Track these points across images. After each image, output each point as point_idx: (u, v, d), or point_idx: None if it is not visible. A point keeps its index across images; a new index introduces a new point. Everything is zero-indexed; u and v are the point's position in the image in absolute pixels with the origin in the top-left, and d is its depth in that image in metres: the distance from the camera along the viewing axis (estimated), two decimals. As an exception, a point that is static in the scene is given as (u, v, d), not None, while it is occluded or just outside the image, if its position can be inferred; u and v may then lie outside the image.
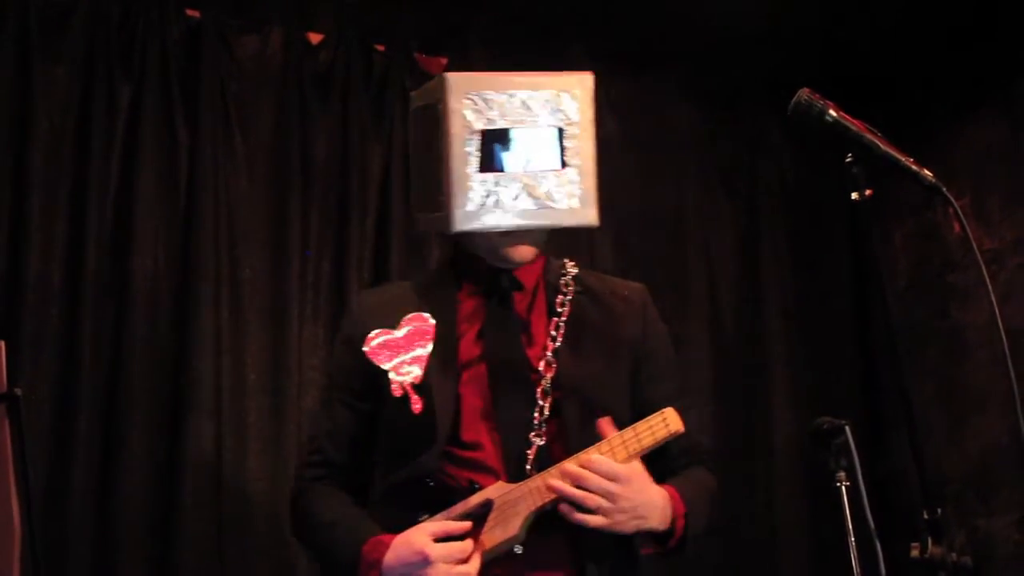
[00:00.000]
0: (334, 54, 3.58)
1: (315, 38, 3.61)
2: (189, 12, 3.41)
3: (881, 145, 1.87)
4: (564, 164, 2.19)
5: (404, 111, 3.63)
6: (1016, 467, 3.81)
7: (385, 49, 3.68)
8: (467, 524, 2.06)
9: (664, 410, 2.12)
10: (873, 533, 2.18)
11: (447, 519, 2.08)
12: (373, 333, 2.23)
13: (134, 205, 3.20)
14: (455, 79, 2.16)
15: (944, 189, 1.85)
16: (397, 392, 2.17)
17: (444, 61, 3.79)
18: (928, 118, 4.13)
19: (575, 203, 2.19)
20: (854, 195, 1.87)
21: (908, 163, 1.87)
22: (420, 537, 2.04)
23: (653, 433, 2.10)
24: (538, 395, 2.14)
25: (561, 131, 2.20)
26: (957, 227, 4.08)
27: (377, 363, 2.20)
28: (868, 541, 2.18)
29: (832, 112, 1.89)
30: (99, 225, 3.16)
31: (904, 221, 4.27)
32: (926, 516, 1.81)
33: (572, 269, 2.34)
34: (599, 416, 2.13)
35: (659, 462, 2.18)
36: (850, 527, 2.30)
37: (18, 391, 1.67)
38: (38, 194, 3.09)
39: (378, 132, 3.58)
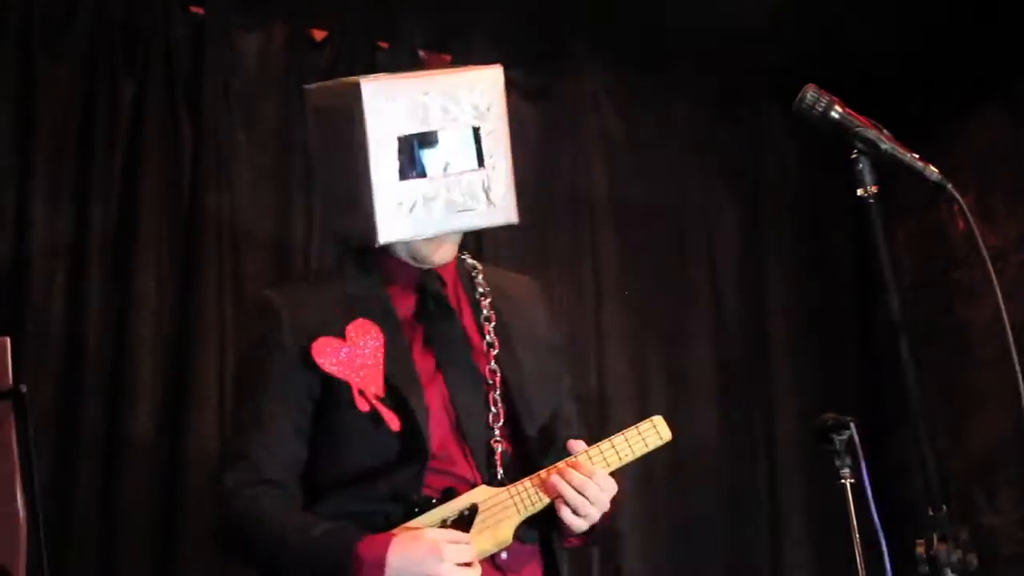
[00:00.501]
0: (337, 51, 3.59)
1: (319, 35, 3.61)
2: (192, 9, 3.41)
3: (886, 141, 1.87)
4: (481, 163, 2.17)
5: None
6: (1020, 464, 3.81)
7: (388, 46, 3.68)
8: (467, 535, 2.02)
9: (653, 418, 2.15)
10: (878, 530, 2.18)
11: (430, 522, 2.04)
12: (320, 341, 2.08)
13: (137, 202, 3.21)
14: (369, 85, 2.10)
15: (950, 186, 1.85)
16: (363, 407, 2.06)
17: (448, 58, 3.79)
18: (931, 115, 4.13)
19: (496, 201, 2.17)
20: (859, 191, 1.86)
21: (913, 159, 1.87)
22: (431, 534, 1.99)
23: (645, 441, 2.13)
24: (491, 402, 2.14)
25: (476, 129, 2.16)
26: (961, 224, 4.05)
27: (331, 374, 2.07)
28: (873, 538, 2.18)
29: (838, 108, 1.88)
30: (103, 222, 3.16)
31: (908, 218, 4.27)
32: (931, 513, 1.81)
33: (476, 264, 2.30)
34: (543, 410, 2.19)
35: (555, 410, 2.23)
36: (855, 524, 2.29)
37: (23, 388, 1.67)
38: (42, 191, 3.10)
39: (381, 129, 3.58)
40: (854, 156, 1.86)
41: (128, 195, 3.21)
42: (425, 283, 2.19)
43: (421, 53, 3.72)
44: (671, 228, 4.05)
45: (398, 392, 2.08)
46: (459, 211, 2.13)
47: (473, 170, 2.15)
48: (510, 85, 3.81)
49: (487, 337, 2.18)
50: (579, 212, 3.87)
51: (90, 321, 3.08)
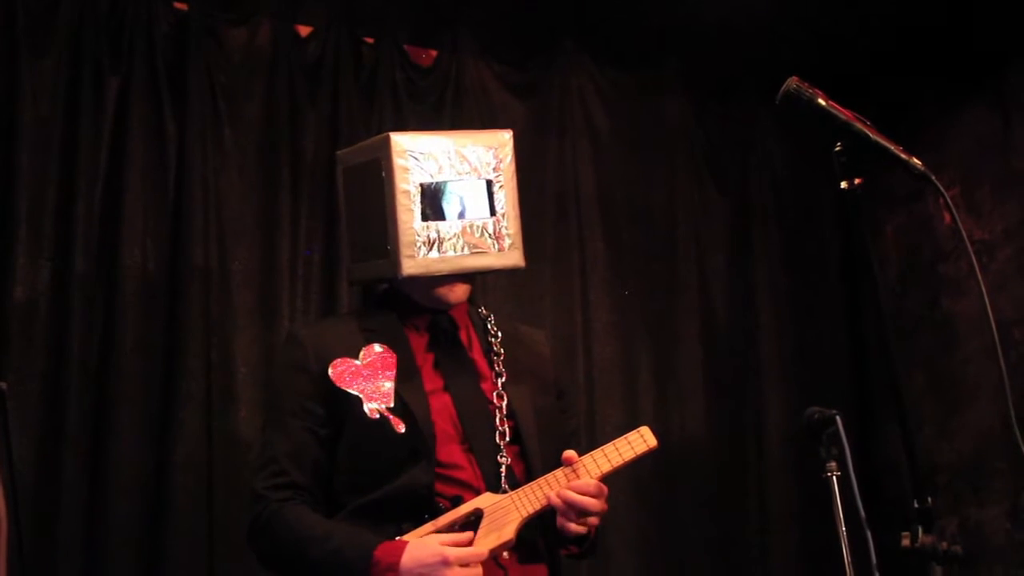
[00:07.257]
0: (323, 46, 3.57)
1: (304, 30, 3.59)
2: (177, 5, 3.39)
3: (870, 134, 1.87)
4: (493, 212, 2.49)
5: (395, 104, 3.62)
6: (1007, 457, 3.82)
7: (374, 41, 3.67)
8: (469, 535, 2.22)
9: (641, 428, 2.37)
10: (864, 523, 2.17)
11: (436, 528, 2.24)
12: (336, 361, 2.37)
13: (122, 198, 3.19)
14: (397, 136, 2.44)
15: (933, 177, 1.85)
16: (373, 415, 2.32)
17: (434, 54, 3.78)
18: (918, 109, 4.13)
19: (505, 247, 2.49)
20: (843, 183, 1.87)
21: (897, 151, 1.87)
22: (438, 539, 2.20)
23: (633, 448, 2.34)
24: (497, 423, 2.37)
25: (490, 183, 2.49)
26: (948, 217, 4.09)
27: (345, 389, 2.34)
28: (859, 531, 2.18)
29: (821, 100, 1.88)
30: (87, 218, 3.14)
31: (895, 212, 4.28)
32: (916, 505, 1.81)
33: (487, 312, 2.57)
34: (545, 438, 2.42)
35: (556, 442, 2.43)
36: (841, 517, 2.30)
37: (3, 386, 1.66)
38: (25, 187, 3.07)
39: (367, 124, 3.57)
40: (838, 148, 1.87)
41: (113, 190, 3.19)
42: (437, 322, 2.46)
43: (407, 48, 3.71)
44: (659, 224, 4.05)
45: (404, 402, 2.32)
46: (473, 252, 2.45)
47: (485, 218, 2.47)
48: (497, 80, 3.86)
49: (495, 368, 2.44)
50: (566, 208, 3.86)
51: (75, 318, 3.06)
